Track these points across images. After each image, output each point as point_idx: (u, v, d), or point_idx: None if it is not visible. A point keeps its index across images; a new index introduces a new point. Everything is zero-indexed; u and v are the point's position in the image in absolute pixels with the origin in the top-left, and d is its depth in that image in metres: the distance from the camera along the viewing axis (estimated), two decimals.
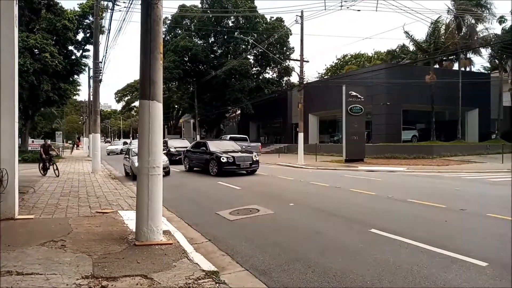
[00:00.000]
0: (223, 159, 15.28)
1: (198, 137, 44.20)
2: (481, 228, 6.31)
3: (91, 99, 25.76)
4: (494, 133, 33.35)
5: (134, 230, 5.60)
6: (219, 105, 41.91)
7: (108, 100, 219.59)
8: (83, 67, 29.92)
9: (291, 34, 40.15)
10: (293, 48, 41.70)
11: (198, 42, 41.43)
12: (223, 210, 8.07)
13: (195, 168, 17.89)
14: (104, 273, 4.12)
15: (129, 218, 6.83)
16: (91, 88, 26.22)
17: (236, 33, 37.83)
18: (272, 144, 40.73)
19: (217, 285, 3.93)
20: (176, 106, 56.88)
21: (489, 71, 38.86)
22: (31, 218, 6.84)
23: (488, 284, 3.96)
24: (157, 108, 5.48)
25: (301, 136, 23.70)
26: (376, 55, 54.54)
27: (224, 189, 11.81)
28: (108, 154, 36.99)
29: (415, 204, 8.54)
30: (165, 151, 23.31)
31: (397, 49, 37.28)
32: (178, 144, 24.74)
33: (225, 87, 39.74)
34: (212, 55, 42.37)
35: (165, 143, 24.37)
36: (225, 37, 41.29)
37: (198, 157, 17.37)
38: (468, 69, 34.42)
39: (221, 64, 39.26)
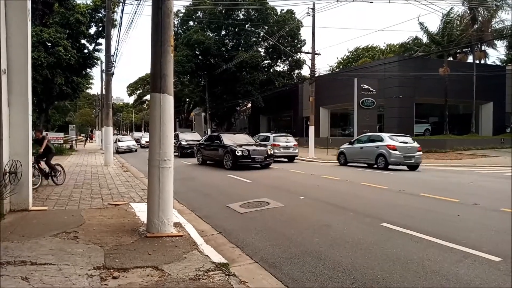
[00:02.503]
0: (238, 152, 15.10)
1: (209, 130, 44.36)
2: (494, 223, 6.21)
3: (104, 92, 26.01)
4: (509, 126, 32.74)
5: (145, 222, 5.66)
6: (230, 99, 41.92)
7: (120, 94, 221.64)
8: (95, 60, 30.13)
9: (302, 27, 39.85)
10: (304, 40, 41.39)
11: (210, 35, 41.39)
12: (233, 203, 8.09)
13: (208, 162, 17.77)
14: (115, 264, 4.17)
15: (140, 210, 6.90)
16: (104, 82, 26.41)
17: (247, 25, 37.69)
18: None
19: (227, 277, 3.95)
20: (187, 99, 57.07)
21: (504, 64, 38.05)
22: (45, 209, 6.95)
23: (501, 280, 3.90)
24: (168, 101, 5.50)
25: (312, 129, 23.59)
26: (388, 48, 53.83)
27: (234, 182, 11.84)
28: (118, 152, 28.40)
29: (427, 198, 8.46)
30: (176, 144, 23.48)
31: (410, 42, 36.74)
32: (189, 137, 24.85)
33: (236, 80, 39.69)
34: (223, 48, 42.30)
35: (176, 136, 24.47)
36: (236, 29, 41.15)
37: (211, 151, 17.18)
38: (483, 61, 33.78)
39: (232, 57, 39.19)
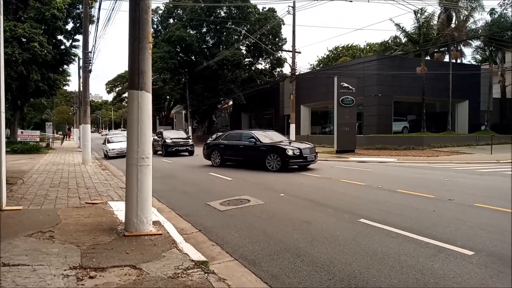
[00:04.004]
0: (288, 151, 13.27)
1: (190, 128, 44.02)
2: (468, 218, 6.39)
3: (81, 89, 25.49)
4: (484, 124, 33.71)
5: (123, 221, 5.59)
6: (211, 96, 41.73)
7: (99, 91, 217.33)
8: (72, 57, 29.52)
9: (283, 25, 39.98)
10: (285, 39, 41.57)
11: (191, 32, 41.05)
12: (214, 200, 8.07)
13: (227, 163, 15.70)
14: (92, 263, 4.11)
15: (119, 209, 6.80)
16: (81, 79, 25.91)
17: (228, 23, 37.55)
18: None
19: (206, 274, 3.94)
20: (167, 97, 56.53)
21: (479, 63, 39.13)
22: (19, 209, 6.77)
23: (474, 273, 4.02)
24: (146, 98, 5.44)
25: (292, 127, 23.78)
26: (368, 47, 54.55)
27: (215, 180, 11.81)
28: (108, 157, 21.84)
29: (404, 194, 8.63)
30: (160, 142, 23.08)
31: (390, 41, 37.34)
32: (174, 135, 24.15)
33: (217, 78, 39.53)
34: (204, 46, 42.04)
35: (160, 134, 24.07)
36: (218, 27, 40.95)
37: (241, 151, 15.05)
38: (459, 61, 34.64)
39: (214, 55, 39.00)
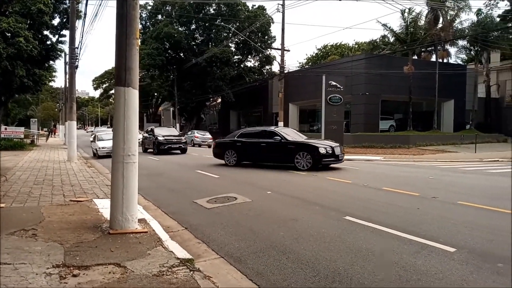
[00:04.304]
0: (321, 149, 12.82)
1: (177, 125, 43.78)
2: (452, 215, 6.50)
3: (67, 85, 25.12)
4: (469, 123, 34.27)
5: (108, 218, 5.54)
6: (199, 93, 41.56)
7: (85, 87, 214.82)
8: (59, 52, 29.02)
9: (273, 23, 40.08)
10: (274, 37, 41.64)
11: (180, 29, 40.78)
12: (200, 198, 8.05)
13: (243, 162, 14.96)
14: (76, 262, 4.07)
15: (104, 207, 6.74)
16: (67, 75, 25.54)
17: (217, 20, 37.40)
18: None
19: (191, 272, 3.93)
20: (155, 94, 56.07)
21: (465, 63, 39.74)
22: (1, 206, 6.66)
23: (455, 269, 4.09)
24: (133, 95, 5.40)
25: (281, 125, 23.79)
26: (357, 46, 54.92)
27: (202, 178, 11.78)
28: (98, 156, 20.27)
29: (389, 192, 8.73)
30: (152, 140, 22.55)
31: (378, 40, 37.68)
32: (166, 132, 23.40)
33: (206, 75, 39.38)
34: (193, 42, 41.84)
35: (151, 131, 23.58)
36: (207, 24, 40.79)
37: (264, 149, 14.19)
38: (445, 60, 35.12)
39: (202, 52, 38.85)
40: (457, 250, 4.67)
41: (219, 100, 49.29)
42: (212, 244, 5.07)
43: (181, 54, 41.91)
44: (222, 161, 15.46)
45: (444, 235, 5.28)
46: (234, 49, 42.58)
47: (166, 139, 22.00)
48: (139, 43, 5.68)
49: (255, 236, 5.37)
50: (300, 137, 14.74)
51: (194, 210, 7.22)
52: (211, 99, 48.67)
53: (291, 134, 14.74)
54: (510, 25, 31.70)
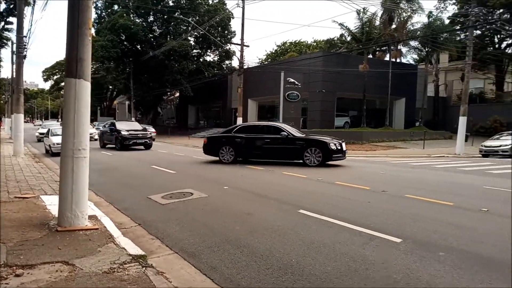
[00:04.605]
0: (331, 145, 12.80)
1: (133, 119, 42.55)
2: (399, 208, 6.84)
3: (14, 76, 23.68)
4: (418, 121, 36.05)
5: (57, 215, 5.31)
6: (157, 87, 40.65)
7: (35, 79, 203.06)
8: (5, 41, 27.40)
9: (233, 18, 39.88)
10: (234, 32, 41.46)
11: (137, 20, 39.55)
12: (155, 194, 7.92)
13: (239, 158, 14.34)
14: (19, 261, 3.87)
15: (52, 203, 6.45)
16: (14, 65, 24.03)
17: (176, 13, 36.66)
18: (211, 128, 40.43)
19: (144, 268, 3.87)
20: (110, 86, 54.16)
21: (416, 63, 41.71)
22: None
23: (401, 258, 4.32)
24: (84, 87, 5.20)
25: (240, 120, 23.84)
26: (315, 43, 55.96)
27: (157, 173, 11.57)
28: (52, 153, 17.49)
29: (341, 186, 9.03)
30: (115, 135, 20.99)
31: (335, 38, 38.65)
32: (129, 127, 22.06)
33: (164, 68, 38.55)
34: (151, 35, 40.77)
35: (112, 125, 22.18)
36: (165, 17, 39.87)
37: (268, 144, 13.66)
38: (398, 60, 36.67)
39: (160, 45, 37.96)
40: (402, 240, 4.93)
41: (177, 94, 48.45)
42: (166, 240, 5.02)
43: (138, 47, 40.74)
44: (209, 158, 14.68)
45: (391, 227, 5.54)
46: (193, 43, 41.98)
47: (131, 134, 20.87)
48: (93, 33, 5.48)
49: (210, 231, 5.37)
50: (300, 133, 14.45)
51: (148, 206, 7.09)
52: (169, 93, 47.74)
53: (286, 129, 14.10)
54: (457, 27, 33.58)
